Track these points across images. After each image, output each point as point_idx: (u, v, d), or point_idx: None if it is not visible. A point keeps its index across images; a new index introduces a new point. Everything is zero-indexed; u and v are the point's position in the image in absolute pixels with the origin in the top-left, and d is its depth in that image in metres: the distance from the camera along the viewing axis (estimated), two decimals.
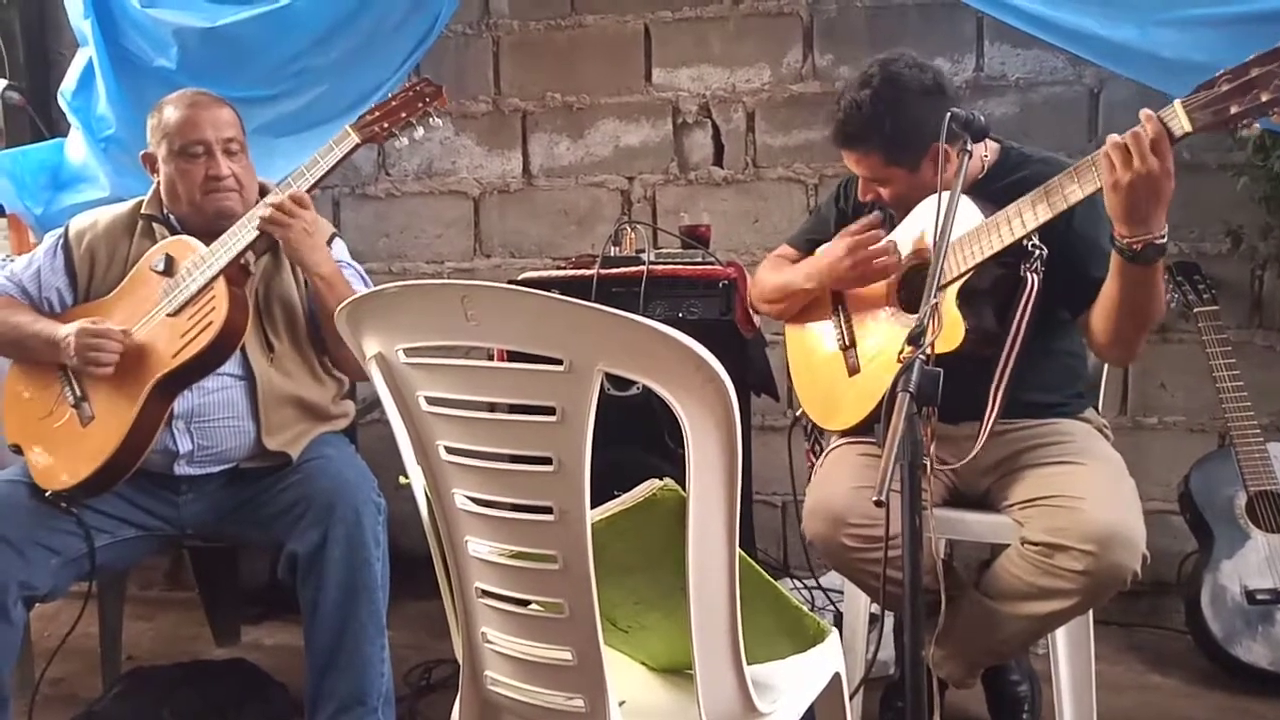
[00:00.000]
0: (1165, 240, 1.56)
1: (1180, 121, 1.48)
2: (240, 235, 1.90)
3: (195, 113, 1.97)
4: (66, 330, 1.90)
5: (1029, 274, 1.71)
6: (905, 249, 1.86)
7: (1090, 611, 1.74)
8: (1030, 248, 1.70)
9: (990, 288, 1.76)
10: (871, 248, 1.85)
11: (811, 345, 2.04)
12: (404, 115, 1.96)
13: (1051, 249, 1.70)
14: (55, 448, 1.94)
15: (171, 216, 2.03)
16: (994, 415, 1.71)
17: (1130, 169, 1.49)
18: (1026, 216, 1.66)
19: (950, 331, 1.73)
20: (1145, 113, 1.50)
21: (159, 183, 2.03)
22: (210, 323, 1.85)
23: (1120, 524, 1.60)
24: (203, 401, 1.94)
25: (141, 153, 2.05)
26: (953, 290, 1.75)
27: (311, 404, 2.03)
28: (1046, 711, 1.98)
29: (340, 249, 2.13)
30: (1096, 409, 1.99)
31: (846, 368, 1.94)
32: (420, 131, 1.98)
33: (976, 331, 1.73)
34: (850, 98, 1.81)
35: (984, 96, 2.84)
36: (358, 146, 1.96)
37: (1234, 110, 1.44)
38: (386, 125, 1.95)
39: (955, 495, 1.92)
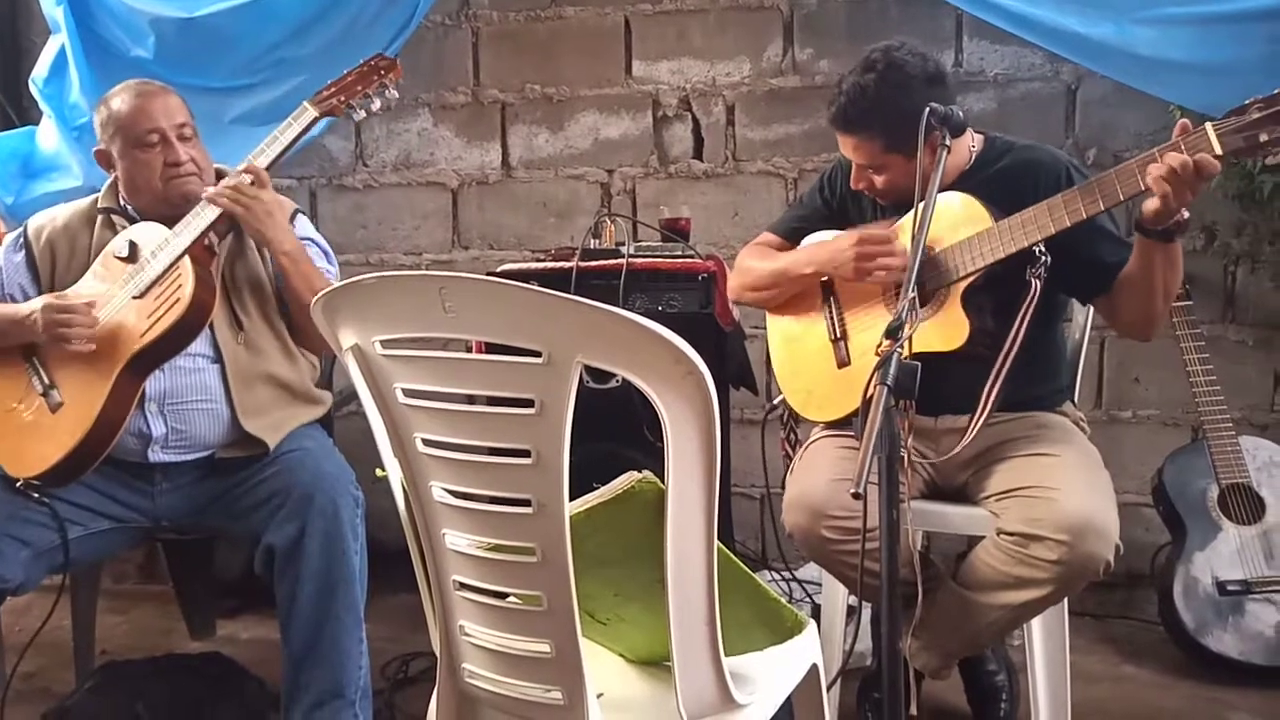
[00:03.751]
0: (1188, 214, 1.62)
1: (1211, 146, 1.52)
2: (202, 215, 1.91)
3: (145, 102, 1.97)
4: (30, 307, 1.88)
5: (1033, 279, 1.73)
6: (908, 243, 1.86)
7: (1065, 602, 1.76)
8: (1038, 253, 1.73)
9: (993, 289, 1.78)
10: (881, 247, 1.83)
11: (798, 335, 2.03)
12: (360, 88, 2.01)
13: (1058, 242, 1.71)
14: (24, 436, 1.91)
15: (129, 208, 2.02)
16: (986, 414, 1.72)
17: (1185, 193, 1.55)
18: (1043, 223, 1.68)
19: (955, 331, 1.75)
20: (1192, 159, 1.53)
21: (116, 177, 2.02)
22: (177, 300, 1.85)
23: (1094, 514, 1.62)
24: (175, 383, 1.93)
25: (95, 149, 2.04)
26: (958, 289, 1.76)
27: (285, 381, 2.02)
28: (1023, 701, 2.00)
29: (304, 225, 2.12)
30: (1073, 402, 2.01)
31: (836, 360, 1.94)
32: (376, 104, 2.04)
33: (979, 332, 1.75)
34: (854, 81, 1.81)
35: (962, 92, 2.84)
36: (315, 120, 1.99)
37: (1264, 138, 1.50)
38: (343, 99, 2.00)
39: (933, 488, 1.93)
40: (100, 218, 2.03)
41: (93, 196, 2.08)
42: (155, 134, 1.95)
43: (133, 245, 1.92)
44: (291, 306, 2.01)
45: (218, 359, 1.96)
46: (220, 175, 2.05)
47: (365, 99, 2.02)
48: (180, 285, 1.86)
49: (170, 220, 1.95)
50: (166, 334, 1.84)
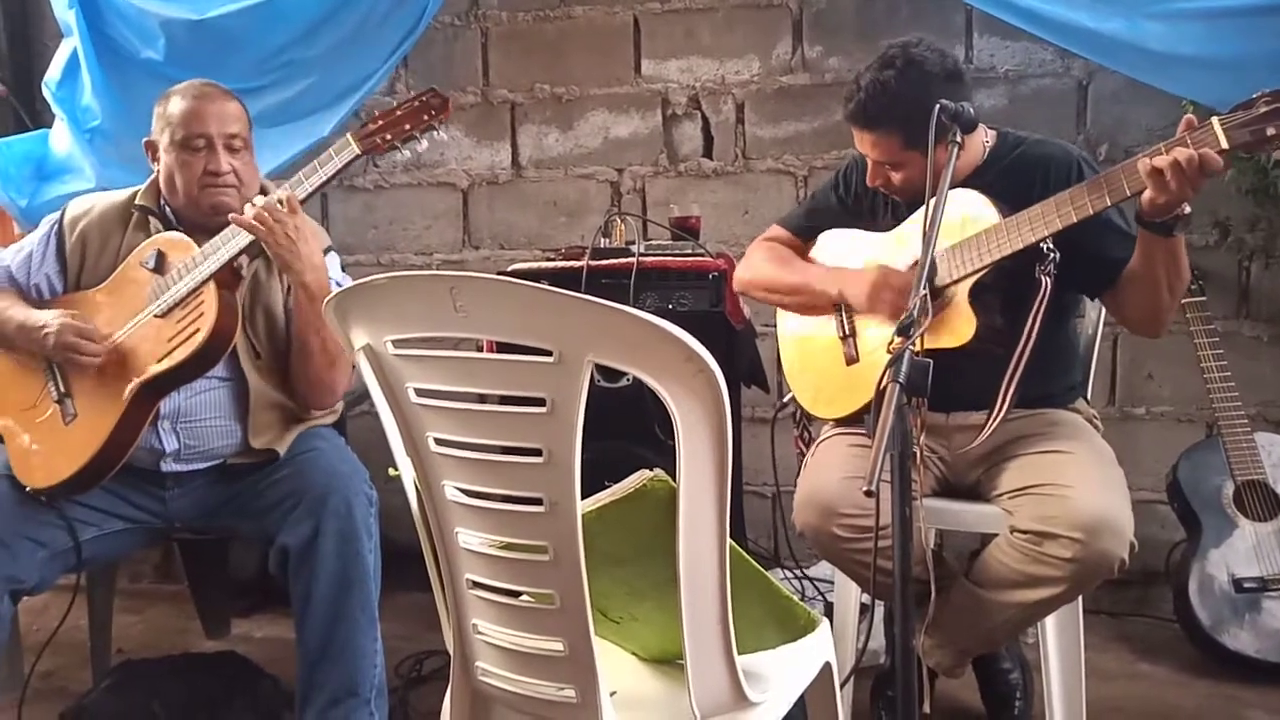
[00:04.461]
0: (1190, 209, 1.62)
1: (1217, 139, 1.52)
2: (234, 238, 1.85)
3: (200, 105, 1.93)
4: (47, 318, 1.87)
5: (1043, 276, 1.72)
6: (918, 242, 1.85)
7: (1079, 600, 1.76)
8: (1046, 250, 1.72)
9: (1001, 286, 1.77)
10: (898, 288, 1.82)
11: (807, 332, 2.03)
12: (408, 127, 1.88)
13: (1064, 236, 1.71)
14: (37, 443, 1.92)
15: (168, 208, 1.99)
16: (1003, 412, 1.72)
17: (1187, 188, 1.54)
18: (1050, 219, 1.67)
19: (962, 327, 1.75)
20: (1197, 153, 1.52)
21: (158, 172, 1.99)
22: (197, 330, 1.82)
23: (1108, 512, 1.61)
24: (189, 402, 1.92)
25: (145, 139, 2.00)
26: (965, 286, 1.76)
27: (296, 411, 2.01)
28: (1037, 699, 1.99)
29: (333, 265, 2.07)
30: (1086, 399, 2.01)
31: (844, 357, 1.94)
32: (424, 145, 1.90)
33: (987, 329, 1.74)
34: (873, 78, 1.80)
35: (973, 89, 2.82)
36: (358, 157, 1.88)
37: (1271, 132, 1.49)
38: (389, 137, 1.87)
39: (945, 486, 1.93)
40: (136, 216, 2.00)
41: (133, 190, 2.04)
42: (202, 139, 1.91)
43: (160, 256, 1.89)
44: (293, 346, 1.95)
45: (231, 379, 1.94)
46: (264, 191, 2.01)
47: (411, 139, 1.88)
48: (202, 314, 1.82)
49: (201, 227, 1.92)
50: (183, 363, 1.82)
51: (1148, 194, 1.58)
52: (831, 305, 1.97)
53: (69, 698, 2.21)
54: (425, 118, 1.88)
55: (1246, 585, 2.30)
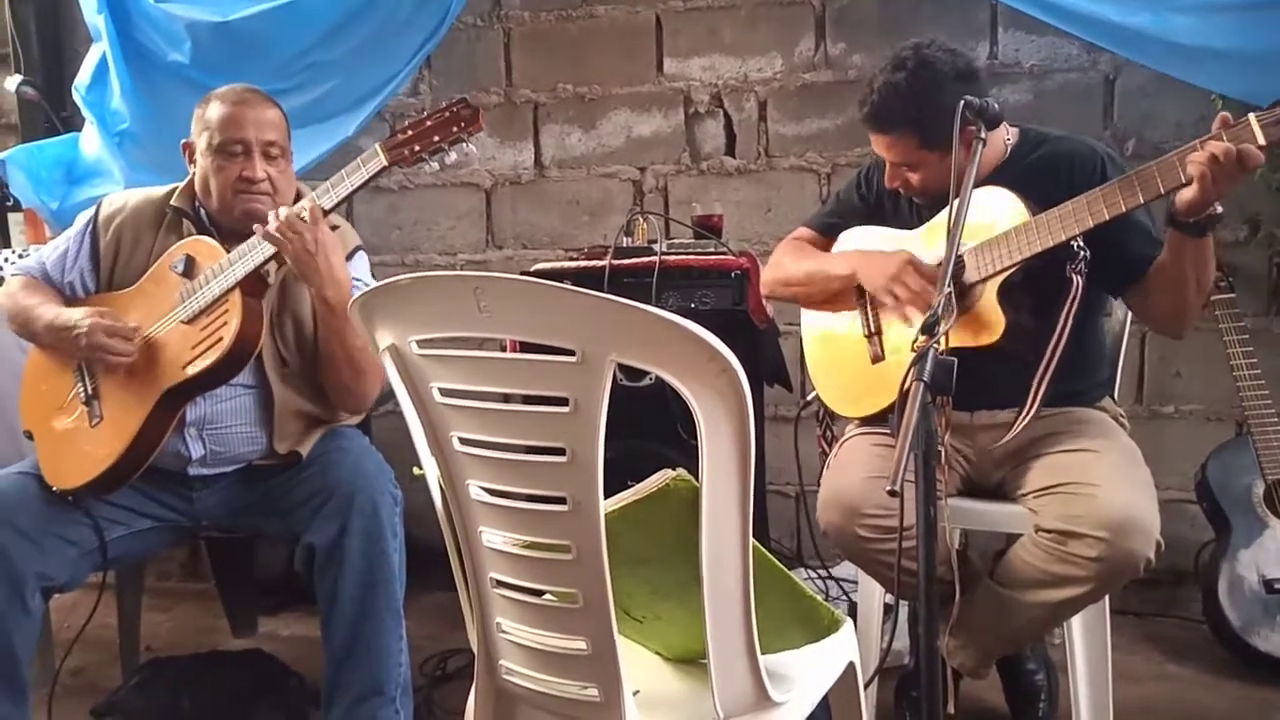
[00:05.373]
0: (1221, 209, 1.61)
1: (1254, 136, 1.51)
2: (261, 244, 1.84)
3: (240, 110, 1.92)
4: (77, 317, 1.89)
5: (1074, 275, 1.71)
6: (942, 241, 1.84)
7: (1106, 600, 1.74)
8: (1076, 248, 1.71)
9: (1030, 285, 1.76)
10: (914, 288, 1.79)
11: (831, 331, 2.03)
12: (437, 139, 1.84)
13: (1089, 234, 1.69)
14: (64, 445, 1.94)
15: (202, 211, 2.00)
16: (1034, 409, 1.71)
17: (1225, 184, 1.53)
18: (1081, 216, 1.65)
19: (991, 326, 1.74)
20: (1235, 148, 1.51)
21: (193, 174, 2.00)
22: (220, 338, 1.82)
23: (1134, 511, 1.60)
24: (215, 409, 1.94)
25: (183, 140, 2.01)
26: (994, 284, 1.75)
27: (321, 417, 2.02)
28: (1063, 701, 1.98)
29: (360, 266, 2.07)
30: (1113, 398, 1.99)
31: (869, 355, 1.93)
32: (452, 157, 1.86)
33: (1015, 328, 1.73)
34: (885, 80, 1.80)
35: (998, 84, 2.81)
36: (385, 169, 1.85)
37: None
38: (417, 149, 1.83)
39: (970, 485, 1.91)
40: (169, 217, 2.01)
41: (169, 188, 2.04)
42: (239, 145, 1.91)
43: (189, 261, 1.90)
44: (320, 353, 1.95)
45: (257, 386, 1.95)
46: (300, 195, 2.00)
47: (439, 151, 1.84)
48: (226, 323, 1.83)
49: (233, 232, 1.93)
50: (208, 370, 1.83)
51: (1186, 192, 1.56)
52: (848, 291, 1.96)
53: (98, 694, 2.24)
54: (455, 129, 1.84)
55: (1277, 586, 2.27)
